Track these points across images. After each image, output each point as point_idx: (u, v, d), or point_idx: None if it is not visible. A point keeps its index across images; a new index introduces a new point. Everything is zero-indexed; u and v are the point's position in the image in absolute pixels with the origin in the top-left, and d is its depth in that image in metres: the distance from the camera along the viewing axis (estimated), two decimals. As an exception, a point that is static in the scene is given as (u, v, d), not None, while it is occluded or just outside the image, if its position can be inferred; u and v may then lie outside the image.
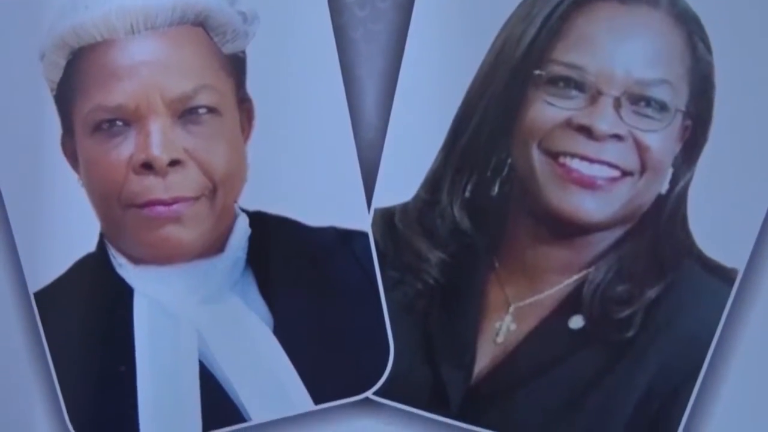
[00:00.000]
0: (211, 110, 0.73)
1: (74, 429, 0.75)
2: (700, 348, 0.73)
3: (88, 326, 0.76)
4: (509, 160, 0.74)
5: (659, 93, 0.72)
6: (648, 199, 0.74)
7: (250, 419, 0.75)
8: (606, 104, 0.72)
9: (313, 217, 0.75)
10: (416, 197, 0.75)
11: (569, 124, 0.72)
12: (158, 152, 0.72)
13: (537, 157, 0.73)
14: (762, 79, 0.73)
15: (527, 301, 0.75)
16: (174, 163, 0.72)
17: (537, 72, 0.73)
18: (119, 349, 0.75)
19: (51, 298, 0.75)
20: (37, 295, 0.75)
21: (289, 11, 0.74)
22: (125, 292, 0.75)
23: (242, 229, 0.75)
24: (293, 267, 0.75)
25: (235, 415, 0.75)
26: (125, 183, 0.73)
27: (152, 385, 0.75)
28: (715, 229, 0.74)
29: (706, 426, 0.74)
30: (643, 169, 0.73)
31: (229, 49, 0.74)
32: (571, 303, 0.74)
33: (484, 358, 0.75)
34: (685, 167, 0.74)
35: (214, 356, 0.75)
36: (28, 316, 0.76)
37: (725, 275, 0.73)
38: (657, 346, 0.74)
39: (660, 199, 0.74)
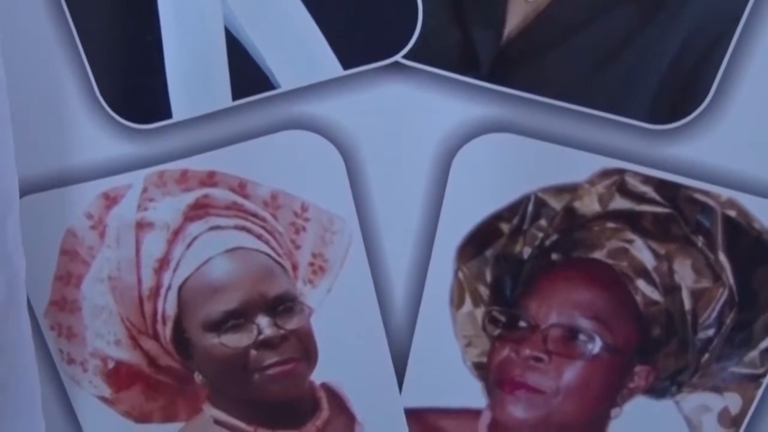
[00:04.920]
0: None
1: (106, 102, 0.75)
2: (736, 2, 0.71)
3: (111, -4, 0.75)
4: None
5: None
6: None
7: (279, 86, 0.74)
8: None
9: None
10: None
11: None
12: None
13: None
14: None
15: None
16: None
17: None
18: (144, 19, 0.74)
19: (71, -32, 0.74)
20: (56, -34, 0.74)
21: None
22: (146, -42, 0.74)
23: None
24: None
25: (264, 82, 0.74)
26: None
27: (179, 55, 0.74)
28: None
29: (739, 87, 0.73)
30: None
31: None
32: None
33: (514, 18, 0.73)
34: None
35: (241, 23, 0.74)
36: (50, -10, 0.74)
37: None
38: (692, 1, 0.71)
39: None
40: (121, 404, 0.81)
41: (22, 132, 0.73)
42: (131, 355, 0.79)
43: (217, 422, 0.81)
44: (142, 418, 0.81)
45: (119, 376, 0.80)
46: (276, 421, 0.81)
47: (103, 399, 0.81)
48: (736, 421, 0.77)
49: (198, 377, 0.79)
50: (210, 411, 0.81)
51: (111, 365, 0.79)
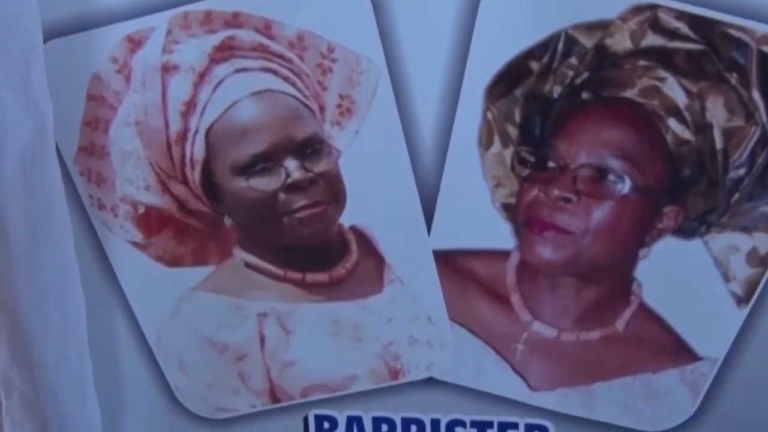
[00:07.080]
0: None
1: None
2: None
3: None
4: None
5: None
6: None
7: None
8: None
9: None
10: None
11: None
12: None
13: None
14: None
15: None
16: None
17: None
18: None
19: None
20: None
21: None
22: None
23: None
24: None
25: None
26: None
27: None
28: None
29: None
30: None
31: None
32: None
33: None
34: None
35: None
36: None
37: None
38: None
39: None
40: (152, 249, 0.82)
41: (43, -25, 0.72)
42: (161, 200, 0.79)
43: (248, 266, 0.82)
44: (174, 262, 0.82)
45: (150, 221, 0.81)
46: (306, 264, 0.82)
47: (135, 244, 0.82)
48: (764, 261, 0.77)
49: (228, 221, 0.80)
50: (240, 255, 0.82)
51: (141, 210, 0.80)
